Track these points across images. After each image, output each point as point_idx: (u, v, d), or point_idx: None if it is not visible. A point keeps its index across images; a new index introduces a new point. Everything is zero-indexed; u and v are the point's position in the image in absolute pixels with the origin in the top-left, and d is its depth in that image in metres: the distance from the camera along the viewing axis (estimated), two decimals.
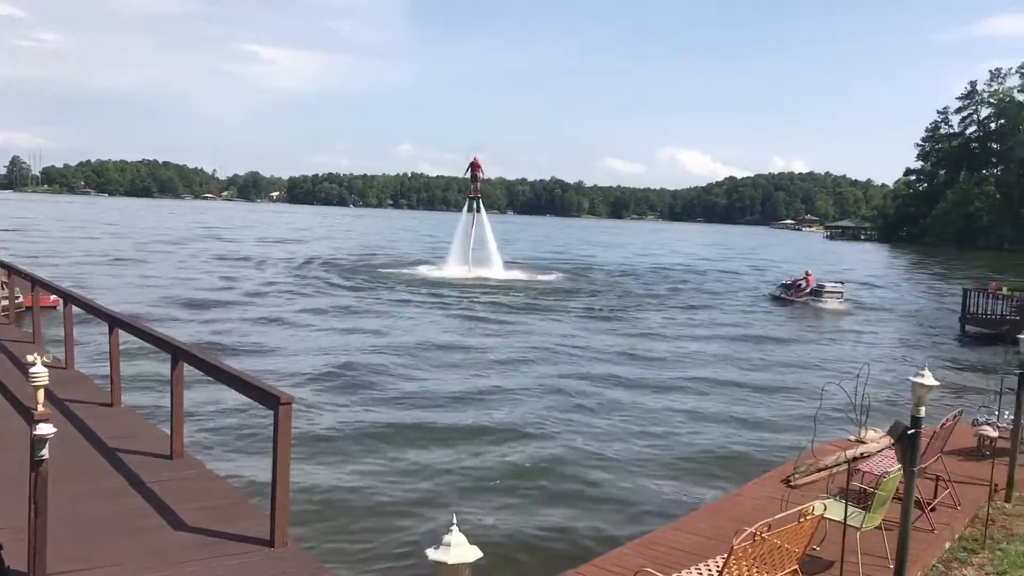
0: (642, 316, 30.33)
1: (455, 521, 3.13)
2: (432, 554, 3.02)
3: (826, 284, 36.35)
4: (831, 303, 35.06)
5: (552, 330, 25.47)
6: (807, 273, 37.91)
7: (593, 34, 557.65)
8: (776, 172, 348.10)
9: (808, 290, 36.20)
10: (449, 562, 3.00)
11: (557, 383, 17.53)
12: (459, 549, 3.02)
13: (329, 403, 14.93)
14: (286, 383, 15.62)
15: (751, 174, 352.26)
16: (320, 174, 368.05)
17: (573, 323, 27.49)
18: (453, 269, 44.78)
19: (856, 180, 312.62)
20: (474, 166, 46.40)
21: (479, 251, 45.86)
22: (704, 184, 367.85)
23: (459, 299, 33.15)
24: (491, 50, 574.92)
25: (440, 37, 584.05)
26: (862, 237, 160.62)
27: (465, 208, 47.68)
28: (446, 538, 3.03)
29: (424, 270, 45.64)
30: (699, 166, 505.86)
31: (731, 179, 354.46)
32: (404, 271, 44.96)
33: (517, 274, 45.11)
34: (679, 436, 13.67)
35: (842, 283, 37.29)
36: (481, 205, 46.75)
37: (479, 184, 47.21)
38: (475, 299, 33.42)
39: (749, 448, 13.15)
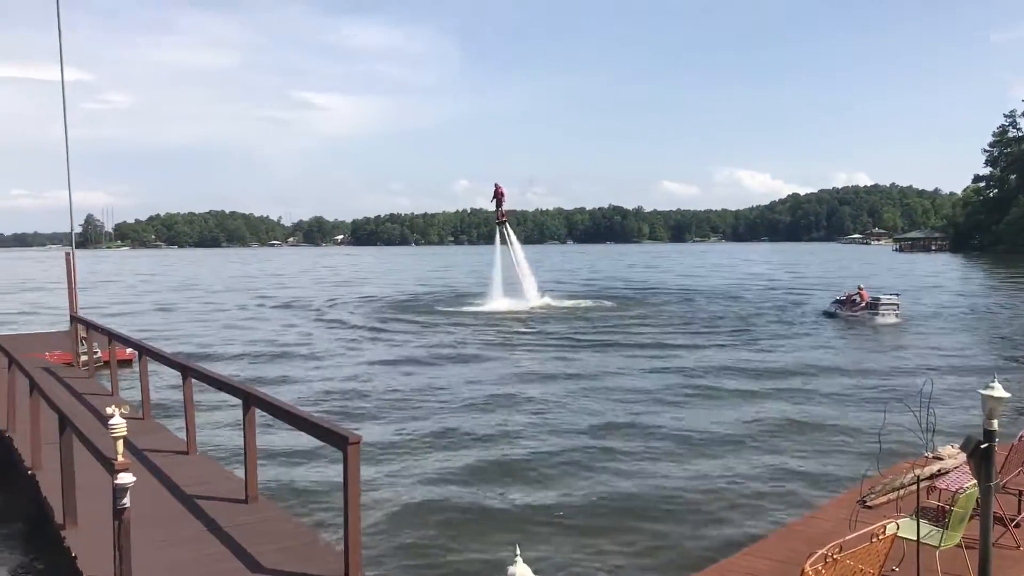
0: (697, 340, 29.94)
1: (519, 552, 3.18)
2: None
3: (881, 298, 35.38)
4: (888, 317, 34.20)
5: (606, 362, 25.16)
6: (859, 288, 37.06)
7: (638, 60, 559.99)
8: (840, 186, 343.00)
9: (863, 305, 35.40)
10: None
11: (621, 415, 17.35)
12: None
13: (397, 442, 15.05)
14: (351, 423, 15.89)
15: (814, 190, 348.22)
16: (382, 215, 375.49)
17: (630, 351, 27.21)
18: (501, 301, 44.47)
19: (923, 190, 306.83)
20: (498, 193, 46.58)
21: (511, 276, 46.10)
22: (767, 203, 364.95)
23: (511, 331, 33.34)
24: (540, 83, 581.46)
25: (489, 75, 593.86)
26: (933, 248, 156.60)
27: (498, 238, 47.51)
28: (511, 570, 3.09)
29: (484, 305, 45.11)
30: (759, 184, 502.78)
31: (794, 196, 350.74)
32: (466, 308, 44.95)
33: (575, 302, 45.53)
34: (747, 460, 13.45)
35: (897, 295, 36.38)
36: (509, 229, 46.93)
37: (503, 209, 47.32)
38: (524, 330, 33.53)
39: (820, 470, 12.89)
